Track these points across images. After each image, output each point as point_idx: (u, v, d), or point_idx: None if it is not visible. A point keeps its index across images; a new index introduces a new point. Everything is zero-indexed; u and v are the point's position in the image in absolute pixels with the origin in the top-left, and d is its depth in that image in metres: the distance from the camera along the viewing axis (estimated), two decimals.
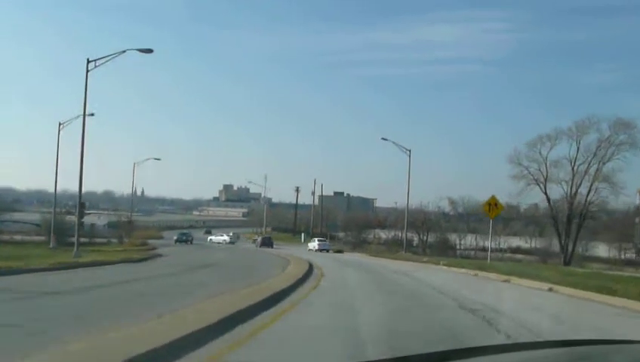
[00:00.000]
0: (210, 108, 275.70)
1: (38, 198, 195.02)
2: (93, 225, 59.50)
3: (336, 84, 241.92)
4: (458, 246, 70.50)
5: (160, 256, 38.35)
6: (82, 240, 40.60)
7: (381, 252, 55.89)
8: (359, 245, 68.30)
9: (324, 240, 68.44)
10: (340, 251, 62.89)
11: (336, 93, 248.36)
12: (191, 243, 66.44)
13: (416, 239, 71.28)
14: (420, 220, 70.14)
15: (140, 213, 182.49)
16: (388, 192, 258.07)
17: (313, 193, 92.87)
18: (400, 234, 73.07)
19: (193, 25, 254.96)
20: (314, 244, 64.83)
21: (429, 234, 71.56)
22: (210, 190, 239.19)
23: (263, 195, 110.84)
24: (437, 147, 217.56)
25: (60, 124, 42.37)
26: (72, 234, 43.04)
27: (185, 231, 73.19)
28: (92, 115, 39.52)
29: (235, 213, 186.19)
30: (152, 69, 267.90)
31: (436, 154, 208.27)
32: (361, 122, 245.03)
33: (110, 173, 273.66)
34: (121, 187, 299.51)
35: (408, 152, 48.35)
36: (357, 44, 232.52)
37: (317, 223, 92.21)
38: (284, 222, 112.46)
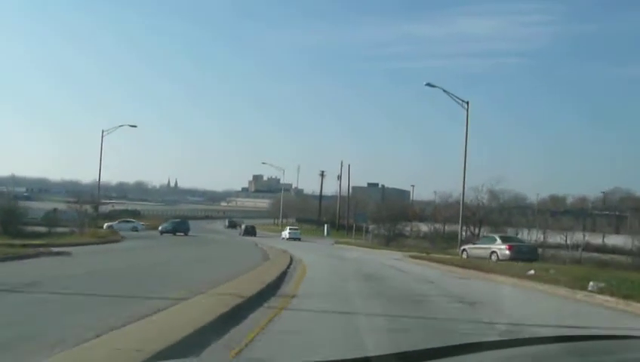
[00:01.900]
0: (244, 100, 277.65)
1: (70, 189, 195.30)
2: (55, 210, 47.46)
3: (369, 77, 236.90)
4: None
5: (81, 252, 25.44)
6: (38, 228, 38.82)
7: (424, 249, 41.72)
8: (393, 238, 54.02)
9: (296, 229, 65.11)
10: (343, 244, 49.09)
11: (369, 86, 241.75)
12: (185, 234, 53.61)
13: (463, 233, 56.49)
14: (470, 211, 55.39)
15: (162, 203, 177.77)
16: (424, 184, 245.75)
17: (339, 177, 78.77)
18: (442, 228, 58.87)
19: (230, 20, 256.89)
20: (285, 233, 61.95)
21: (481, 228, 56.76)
22: (242, 181, 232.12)
23: (281, 180, 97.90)
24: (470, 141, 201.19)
25: (102, 131, 43.98)
26: (25, 222, 40.43)
27: (177, 220, 60.00)
28: (134, 126, 44.87)
29: (264, 203, 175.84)
30: (194, 66, 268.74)
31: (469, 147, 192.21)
32: (394, 114, 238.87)
33: (143, 164, 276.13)
34: (155, 178, 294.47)
35: (465, 108, 34.15)
36: (391, 38, 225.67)
37: (346, 213, 78.22)
38: (310, 213, 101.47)
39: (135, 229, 56.31)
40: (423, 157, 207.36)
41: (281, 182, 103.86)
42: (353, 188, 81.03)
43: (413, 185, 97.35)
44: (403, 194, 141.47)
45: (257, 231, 66.66)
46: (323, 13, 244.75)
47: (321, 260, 27.48)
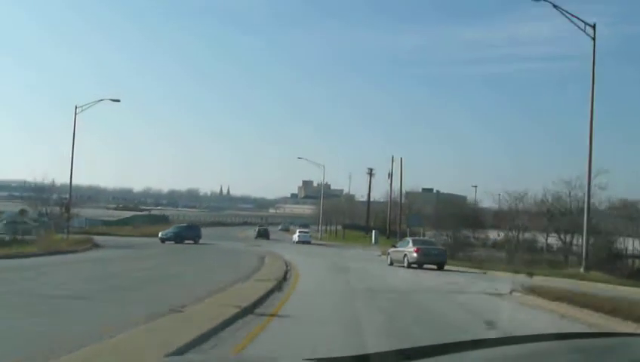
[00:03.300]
0: (294, 108, 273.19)
1: (119, 196, 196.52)
2: (22, 211, 37.80)
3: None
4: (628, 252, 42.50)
5: None
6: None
7: (512, 266, 29.63)
8: (460, 248, 41.58)
9: (306, 231, 61.80)
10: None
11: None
12: (195, 242, 43.27)
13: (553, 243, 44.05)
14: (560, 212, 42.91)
15: (207, 209, 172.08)
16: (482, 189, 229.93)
17: (390, 175, 66.58)
18: (518, 235, 45.95)
19: (271, 25, 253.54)
20: (295, 236, 58.92)
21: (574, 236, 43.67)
22: (293, 188, 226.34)
23: (322, 181, 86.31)
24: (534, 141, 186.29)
25: (76, 108, 35.00)
26: None
27: (182, 225, 49.49)
28: (117, 100, 35.94)
29: (312, 209, 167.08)
30: (237, 74, 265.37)
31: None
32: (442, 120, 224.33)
33: (196, 173, 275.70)
34: (209, 186, 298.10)
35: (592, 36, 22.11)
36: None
37: (398, 217, 66.15)
38: (359, 219, 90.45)
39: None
40: (475, 160, 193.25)
41: (322, 182, 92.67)
42: (406, 193, 69.08)
43: (475, 186, 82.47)
44: (458, 199, 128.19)
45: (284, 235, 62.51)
46: (373, 19, 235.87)
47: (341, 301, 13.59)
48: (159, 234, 43.31)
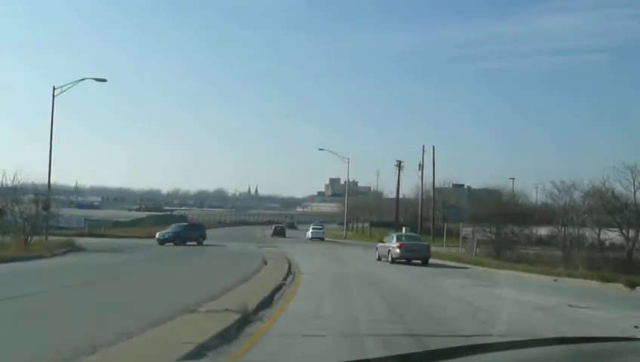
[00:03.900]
0: (335, 103, 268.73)
1: (146, 197, 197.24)
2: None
3: (452, 79, 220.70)
4: None
5: None
6: None
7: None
8: (505, 246, 35.49)
9: (320, 228, 62.13)
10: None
11: (450, 86, 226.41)
12: (199, 243, 38.44)
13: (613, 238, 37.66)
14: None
15: (233, 209, 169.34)
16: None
17: (421, 166, 60.45)
18: (574, 230, 39.63)
19: (324, 21, 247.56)
20: (309, 233, 59.44)
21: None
22: (320, 186, 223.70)
23: (347, 175, 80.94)
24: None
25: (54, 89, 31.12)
26: None
27: (183, 224, 44.31)
28: (104, 80, 31.70)
29: (339, 207, 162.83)
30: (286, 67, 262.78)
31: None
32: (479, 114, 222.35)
33: (223, 172, 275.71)
34: (237, 186, 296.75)
35: None
36: (473, 38, 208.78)
37: (431, 213, 60.34)
38: (387, 216, 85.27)
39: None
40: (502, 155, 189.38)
41: (347, 176, 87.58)
42: (436, 189, 62.98)
43: (513, 178, 75.90)
44: (491, 194, 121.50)
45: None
46: (408, 14, 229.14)
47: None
48: (156, 235, 38.37)
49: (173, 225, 42.85)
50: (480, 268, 26.49)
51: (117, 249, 30.03)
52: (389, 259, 28.01)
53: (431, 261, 29.47)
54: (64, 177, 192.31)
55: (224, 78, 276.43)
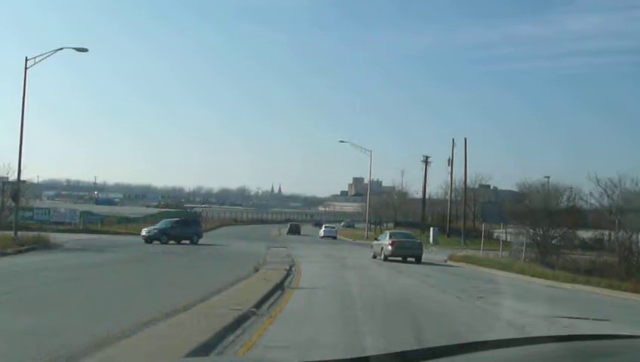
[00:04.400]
0: (358, 104, 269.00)
1: (168, 194, 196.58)
2: None
3: (472, 80, 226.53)
4: None
5: None
6: None
7: None
8: (551, 251, 30.33)
9: (332, 227, 63.20)
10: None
11: (468, 87, 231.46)
12: (192, 242, 33.93)
13: None
14: None
15: (253, 207, 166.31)
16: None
17: (450, 160, 55.25)
18: (629, 235, 34.26)
19: (340, 20, 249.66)
20: (321, 231, 59.82)
21: None
22: (343, 186, 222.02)
23: (369, 170, 76.34)
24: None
25: (26, 60, 27.24)
26: None
27: (174, 219, 38.65)
28: (85, 50, 28.07)
29: (362, 206, 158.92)
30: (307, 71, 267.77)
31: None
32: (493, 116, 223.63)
33: (246, 171, 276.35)
34: (261, 184, 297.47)
35: None
36: (497, 39, 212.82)
37: (462, 212, 55.19)
38: (412, 216, 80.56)
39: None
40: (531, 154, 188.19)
41: (369, 170, 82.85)
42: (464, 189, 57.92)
43: (548, 177, 69.50)
44: (517, 196, 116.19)
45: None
46: (428, 15, 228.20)
47: None
48: (142, 232, 33.93)
49: (163, 220, 38.08)
50: (544, 282, 21.20)
51: (100, 247, 26.05)
52: (382, 256, 27.91)
53: (478, 270, 25.70)
54: (86, 174, 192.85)
55: (252, 82, 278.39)
